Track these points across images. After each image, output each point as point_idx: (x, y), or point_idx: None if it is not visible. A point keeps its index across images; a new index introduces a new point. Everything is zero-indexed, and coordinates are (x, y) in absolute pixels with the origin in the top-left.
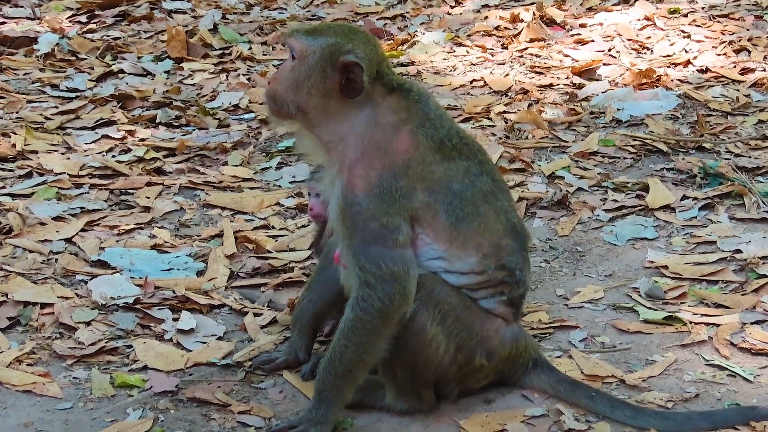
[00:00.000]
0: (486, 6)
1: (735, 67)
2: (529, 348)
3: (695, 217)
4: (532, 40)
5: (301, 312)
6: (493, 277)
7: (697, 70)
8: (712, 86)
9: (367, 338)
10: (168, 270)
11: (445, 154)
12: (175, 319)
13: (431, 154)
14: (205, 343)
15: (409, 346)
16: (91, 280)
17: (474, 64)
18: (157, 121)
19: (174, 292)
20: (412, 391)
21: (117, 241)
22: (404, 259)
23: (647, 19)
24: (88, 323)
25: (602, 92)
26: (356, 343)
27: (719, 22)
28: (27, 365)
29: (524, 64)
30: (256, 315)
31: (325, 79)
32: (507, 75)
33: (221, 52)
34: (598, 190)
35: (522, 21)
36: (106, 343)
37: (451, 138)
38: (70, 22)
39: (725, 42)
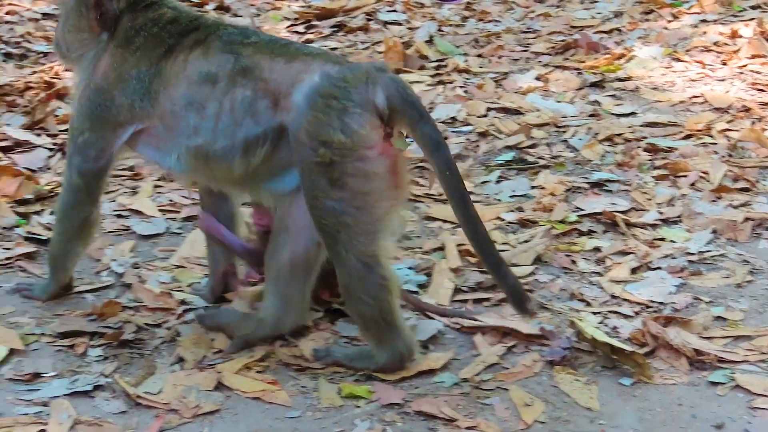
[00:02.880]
0: (704, 21)
1: None
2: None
3: None
4: (753, 57)
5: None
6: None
7: None
8: None
9: (60, 226)
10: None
11: (132, 50)
12: None
13: (123, 59)
14: (425, 353)
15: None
16: None
17: (693, 80)
18: None
19: None
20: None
21: None
22: (90, 174)
23: None
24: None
25: None
26: (57, 228)
27: None
28: (256, 372)
29: (745, 80)
30: (479, 330)
31: (81, 19)
32: (728, 92)
33: (437, 64)
34: None
35: (742, 37)
36: None
37: (139, 35)
38: (288, 31)
39: None
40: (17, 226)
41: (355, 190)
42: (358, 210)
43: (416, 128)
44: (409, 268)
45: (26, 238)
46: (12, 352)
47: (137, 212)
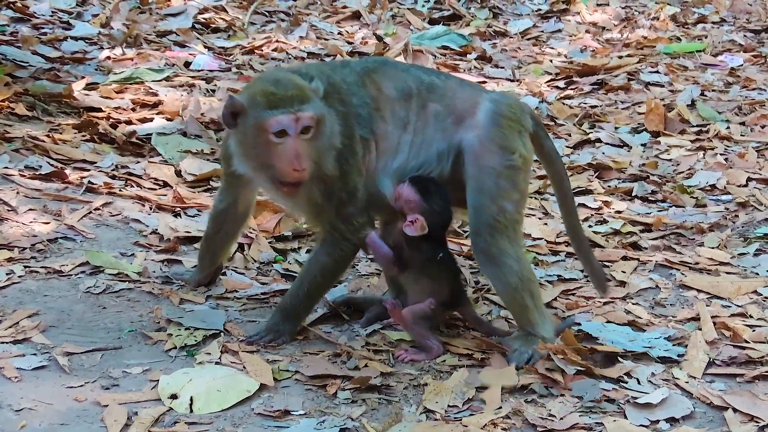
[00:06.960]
0: None
1: None
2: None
3: None
4: None
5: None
6: None
7: None
8: None
9: (339, 270)
10: (649, 348)
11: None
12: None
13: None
14: (675, 427)
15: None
16: None
17: None
18: (633, 194)
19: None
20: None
21: (585, 312)
22: (365, 210)
23: None
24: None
25: None
26: (329, 276)
27: None
28: (501, 429)
29: None
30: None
31: None
32: None
33: (698, 129)
34: None
35: None
36: (578, 417)
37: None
38: (548, 86)
39: None
40: (275, 262)
41: (524, 194)
42: (520, 213)
43: (544, 144)
44: (666, 339)
45: (283, 275)
46: (262, 387)
47: None
